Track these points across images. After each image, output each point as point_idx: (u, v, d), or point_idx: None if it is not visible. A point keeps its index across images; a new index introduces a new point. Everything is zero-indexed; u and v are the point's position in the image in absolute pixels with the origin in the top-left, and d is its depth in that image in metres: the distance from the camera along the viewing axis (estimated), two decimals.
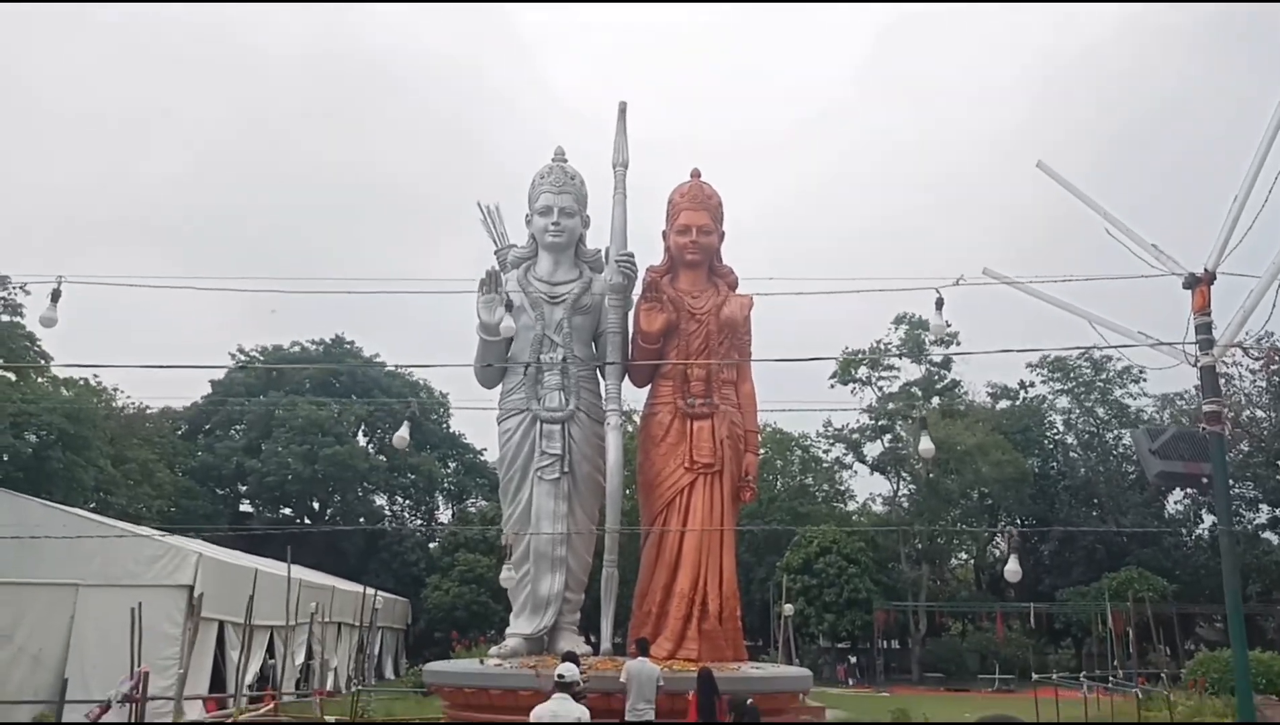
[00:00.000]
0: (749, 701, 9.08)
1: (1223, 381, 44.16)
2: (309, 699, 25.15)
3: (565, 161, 16.59)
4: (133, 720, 15.57)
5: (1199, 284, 7.31)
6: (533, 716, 8.96)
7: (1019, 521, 52.12)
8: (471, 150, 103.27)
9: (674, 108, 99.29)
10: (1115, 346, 8.42)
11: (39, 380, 36.05)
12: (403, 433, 16.20)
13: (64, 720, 16.83)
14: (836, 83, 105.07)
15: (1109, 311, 8.60)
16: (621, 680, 11.62)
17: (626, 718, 10.77)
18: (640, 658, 12.32)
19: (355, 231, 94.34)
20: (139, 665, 15.95)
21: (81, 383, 38.28)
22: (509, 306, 13.69)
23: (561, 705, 8.97)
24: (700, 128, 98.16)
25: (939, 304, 10.33)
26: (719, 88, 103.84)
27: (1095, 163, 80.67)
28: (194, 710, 19.73)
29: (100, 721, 16.17)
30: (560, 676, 9.25)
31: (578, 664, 10.33)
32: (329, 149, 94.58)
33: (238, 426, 51.18)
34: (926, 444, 15.07)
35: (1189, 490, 46.11)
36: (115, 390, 40.79)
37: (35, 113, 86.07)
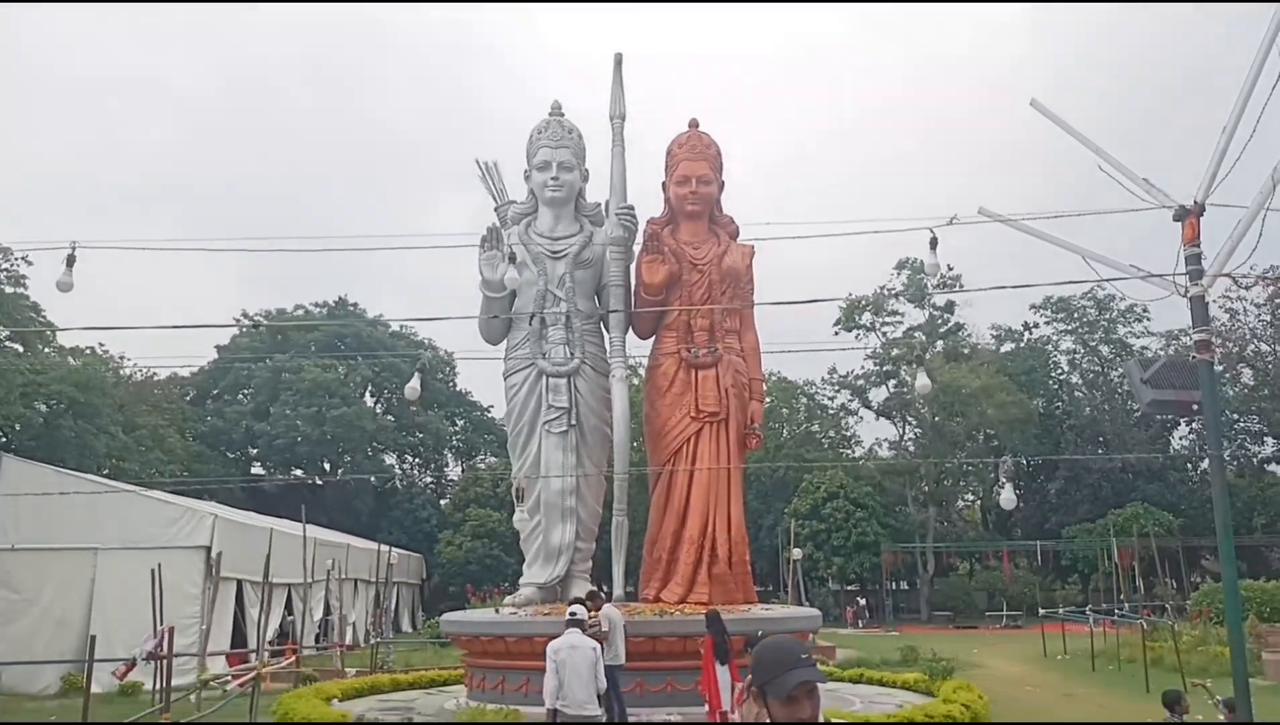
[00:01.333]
0: (760, 634, 9.53)
1: (1227, 316, 44.13)
2: (329, 652, 25.70)
3: (562, 115, 16.55)
4: (159, 676, 15.94)
5: (1188, 216, 7.40)
6: (549, 649, 10.16)
7: (1025, 462, 52.51)
8: (468, 106, 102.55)
9: (669, 57, 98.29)
10: (1106, 280, 8.52)
11: (45, 350, 36.28)
12: (414, 383, 16.25)
13: (95, 678, 17.14)
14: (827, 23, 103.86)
15: (1113, 250, 8.64)
16: (605, 629, 11.97)
17: (606, 662, 11.24)
18: (607, 605, 12.92)
19: (355, 190, 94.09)
20: (161, 624, 16.28)
21: (89, 351, 38.52)
22: (512, 259, 13.80)
23: (575, 638, 10.29)
24: (695, 74, 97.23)
25: (933, 243, 10.38)
26: (711, 31, 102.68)
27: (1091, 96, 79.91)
28: (216, 665, 20.17)
29: (126, 678, 16.56)
30: (573, 613, 10.78)
31: (587, 609, 11.53)
32: (325, 108, 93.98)
33: (245, 390, 51.50)
34: (924, 381, 15.14)
35: (1194, 424, 46.28)
36: (122, 358, 41.06)
37: (28, 81, 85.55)
